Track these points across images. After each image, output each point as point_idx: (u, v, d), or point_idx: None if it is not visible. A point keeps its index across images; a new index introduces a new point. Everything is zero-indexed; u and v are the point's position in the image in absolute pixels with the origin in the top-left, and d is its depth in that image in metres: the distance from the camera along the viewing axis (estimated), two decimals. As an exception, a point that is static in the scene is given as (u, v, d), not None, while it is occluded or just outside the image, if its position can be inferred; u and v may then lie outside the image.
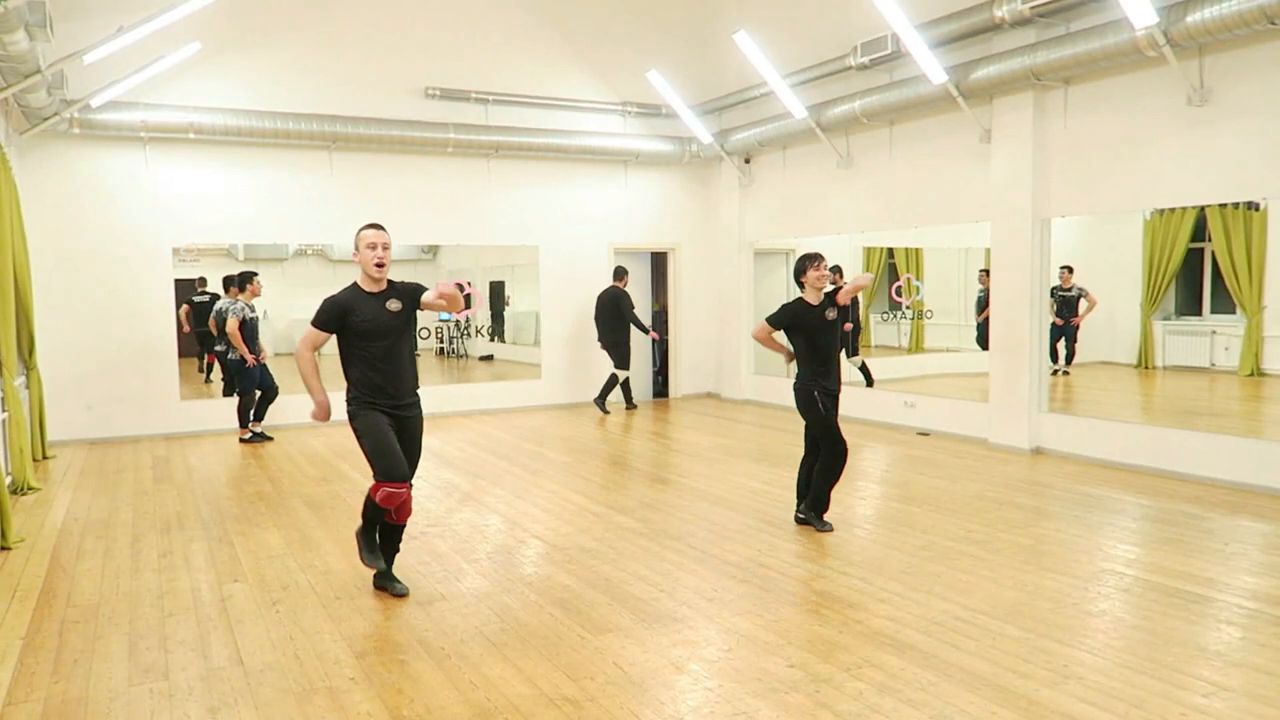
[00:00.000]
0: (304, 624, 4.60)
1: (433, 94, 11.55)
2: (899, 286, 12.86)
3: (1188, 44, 7.07)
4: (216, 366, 12.76)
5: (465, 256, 14.95)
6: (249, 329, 9.84)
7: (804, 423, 6.34)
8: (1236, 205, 9.78)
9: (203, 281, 13.73)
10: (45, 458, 9.10)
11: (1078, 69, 7.90)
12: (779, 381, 12.56)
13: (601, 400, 12.07)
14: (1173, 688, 3.71)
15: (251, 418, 10.16)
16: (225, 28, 10.43)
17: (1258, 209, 10.01)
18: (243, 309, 9.78)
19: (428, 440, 10.20)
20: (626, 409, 12.47)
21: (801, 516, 6.29)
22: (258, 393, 10.09)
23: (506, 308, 15.20)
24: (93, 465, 8.88)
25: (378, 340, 4.84)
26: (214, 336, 12.60)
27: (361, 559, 4.97)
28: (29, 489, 7.59)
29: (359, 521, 5.04)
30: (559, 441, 9.96)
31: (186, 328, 11.16)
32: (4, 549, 5.97)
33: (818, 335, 6.09)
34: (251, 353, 9.86)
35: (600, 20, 12.51)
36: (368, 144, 11.13)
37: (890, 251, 13.10)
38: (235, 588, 5.19)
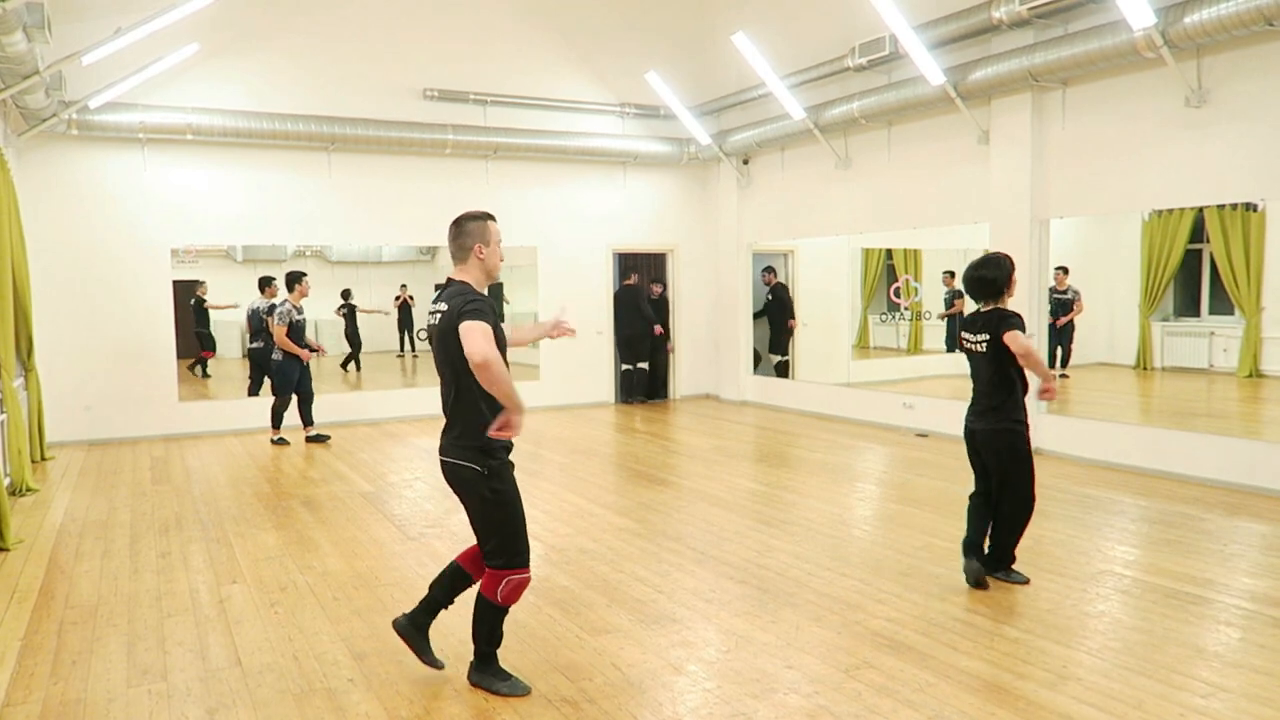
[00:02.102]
0: (302, 625, 4.60)
1: (431, 95, 11.55)
2: (897, 288, 12.87)
3: (1186, 45, 7.07)
4: (209, 363, 12.91)
5: (464, 258, 14.93)
6: (296, 330, 9.74)
7: (972, 463, 5.10)
8: (1235, 206, 9.80)
9: (202, 285, 13.86)
10: (44, 459, 9.09)
11: (1076, 70, 7.91)
12: (778, 382, 12.58)
13: (646, 396, 13.03)
14: (1171, 689, 3.71)
15: (302, 424, 10.08)
16: (224, 29, 10.43)
17: (1256, 210, 10.03)
18: (290, 311, 9.65)
19: (426, 442, 10.30)
20: (627, 402, 13.01)
21: (980, 575, 4.90)
22: (294, 396, 9.96)
23: (501, 308, 15.18)
24: (91, 466, 8.87)
25: (499, 349, 3.63)
26: (211, 337, 12.70)
27: (495, 690, 3.76)
28: (27, 490, 7.58)
29: (476, 639, 3.83)
30: (557, 442, 9.96)
31: (249, 335, 11.21)
32: (3, 550, 5.96)
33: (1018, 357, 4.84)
34: (303, 349, 9.81)
35: (599, 21, 12.52)
36: (366, 145, 11.13)
37: (889, 253, 13.11)
38: (234, 589, 5.18)
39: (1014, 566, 5.05)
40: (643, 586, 5.10)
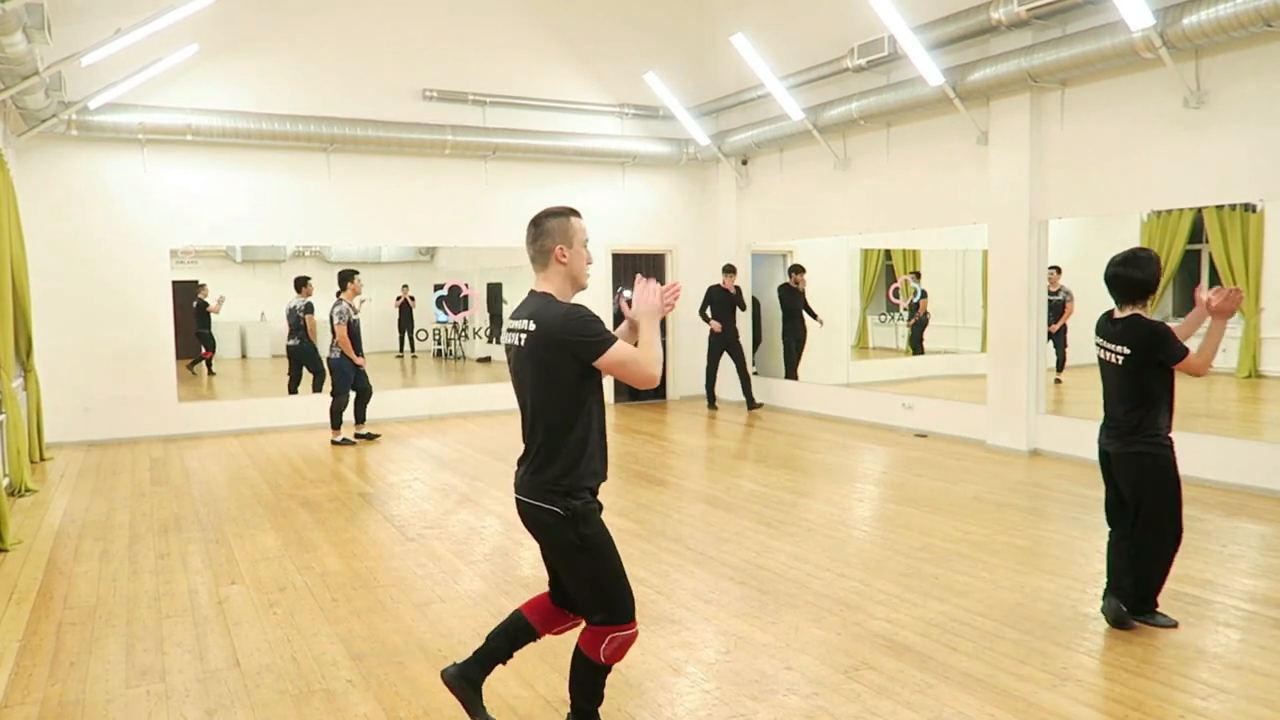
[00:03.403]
0: (301, 626, 4.59)
1: (430, 96, 11.55)
2: (896, 289, 12.87)
3: (1184, 46, 7.08)
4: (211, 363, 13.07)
5: (463, 258, 14.95)
6: (353, 329, 9.77)
7: (1108, 488, 4.57)
8: (1233, 207, 9.79)
9: (202, 287, 13.97)
10: (43, 459, 9.09)
11: (1074, 71, 7.91)
12: (777, 383, 12.57)
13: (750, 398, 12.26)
14: (1171, 690, 3.71)
15: (353, 420, 10.11)
16: (223, 30, 10.43)
17: (1255, 211, 10.02)
18: (347, 310, 9.66)
19: (426, 443, 10.31)
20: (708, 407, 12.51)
21: (1119, 615, 4.36)
22: (352, 394, 10.00)
23: (501, 308, 15.19)
24: (90, 467, 8.87)
25: (600, 391, 3.22)
26: (212, 338, 12.85)
27: None
28: (26, 491, 7.58)
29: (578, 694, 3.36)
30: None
31: (314, 338, 11.28)
32: (1, 551, 5.96)
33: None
34: (357, 354, 9.81)
35: (598, 22, 12.52)
36: (365, 146, 11.13)
37: (887, 253, 13.11)
38: (232, 589, 5.18)
39: (1159, 609, 4.41)
40: (642, 587, 5.10)
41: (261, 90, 10.76)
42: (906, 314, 12.89)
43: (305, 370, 11.41)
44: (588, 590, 3.15)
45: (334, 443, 9.88)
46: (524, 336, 3.06)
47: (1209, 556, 5.47)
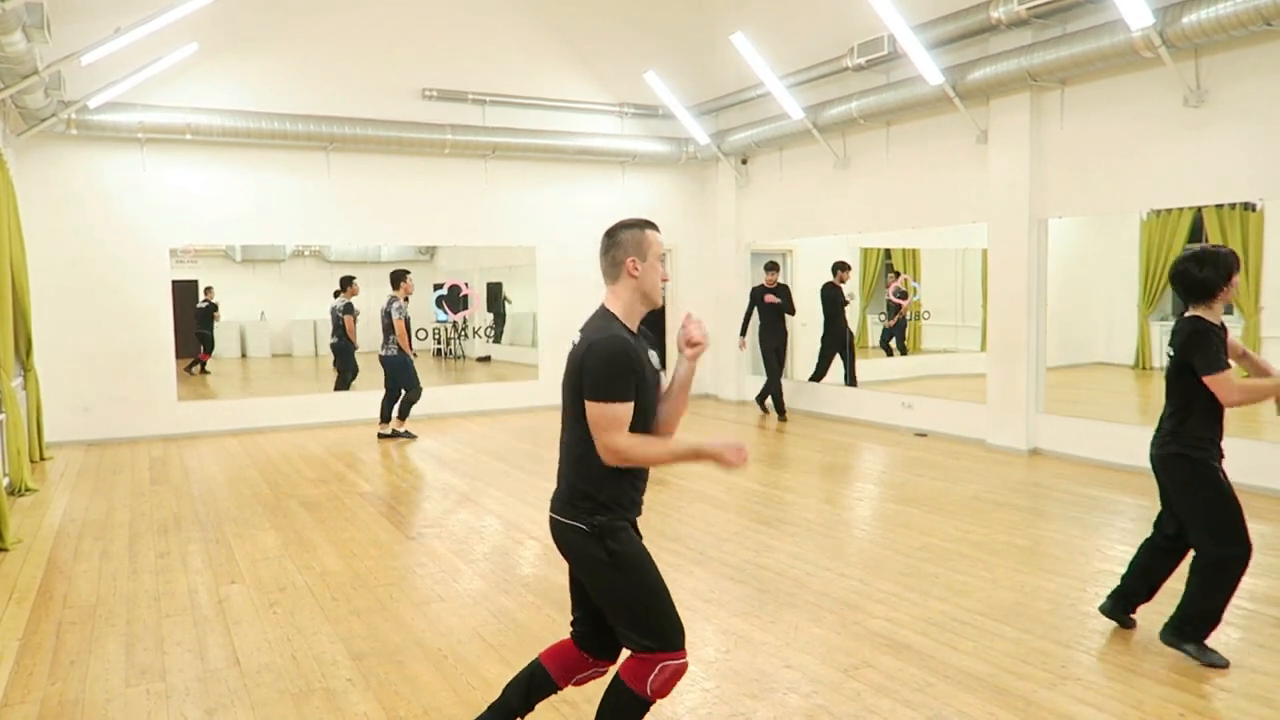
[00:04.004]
0: (301, 625, 4.59)
1: (430, 95, 11.55)
2: (896, 288, 12.86)
3: (1184, 45, 7.08)
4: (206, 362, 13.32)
5: (462, 257, 14.94)
6: (408, 326, 10.14)
7: (1163, 496, 4.31)
8: (1233, 206, 9.79)
9: (209, 290, 14.20)
10: (43, 459, 9.09)
11: (1074, 70, 7.91)
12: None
13: (781, 408, 11.36)
14: (1170, 688, 3.71)
15: (396, 416, 10.29)
16: (222, 29, 10.42)
17: (1254, 210, 10.02)
18: (404, 306, 9.97)
19: (427, 443, 10.31)
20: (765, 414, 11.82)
21: (1114, 613, 4.34)
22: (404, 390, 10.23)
23: (505, 307, 15.19)
24: (90, 466, 8.87)
25: (650, 414, 2.98)
26: (211, 339, 13.01)
27: None
28: (26, 490, 7.58)
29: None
30: (556, 442, 9.94)
31: (354, 339, 11.75)
32: (1, 550, 5.96)
33: None
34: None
35: (597, 21, 12.52)
36: (365, 145, 11.13)
37: (887, 253, 13.11)
38: (232, 589, 5.18)
39: (1207, 642, 4.00)
40: (642, 586, 5.10)
41: (261, 89, 10.76)
42: (886, 313, 12.72)
43: (347, 369, 11.95)
44: (627, 615, 2.87)
45: (382, 436, 10.18)
46: (573, 347, 2.95)
47: (1209, 555, 5.47)
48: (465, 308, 13.81)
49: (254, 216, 10.93)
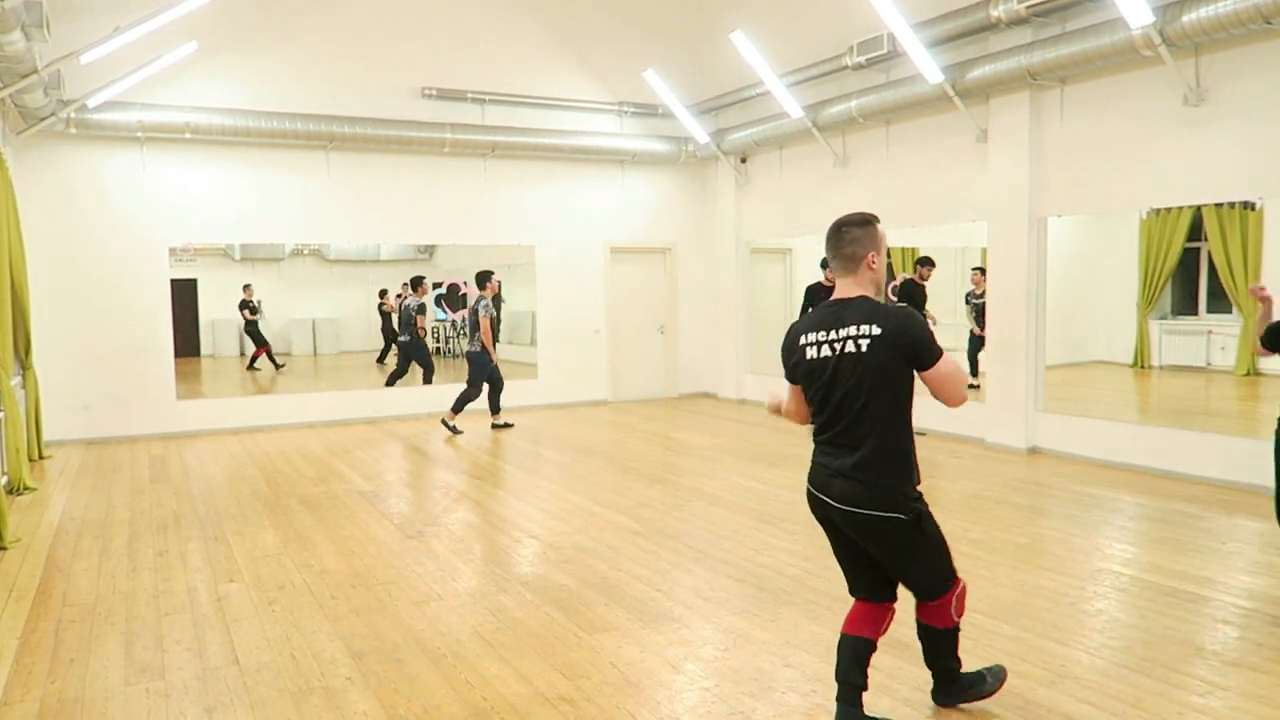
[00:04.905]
0: (300, 623, 4.59)
1: (429, 94, 11.55)
2: (895, 286, 12.85)
3: (1184, 44, 7.08)
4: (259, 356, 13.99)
5: (462, 256, 14.94)
6: (495, 325, 10.50)
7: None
8: (1233, 205, 9.79)
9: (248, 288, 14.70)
10: (42, 457, 9.09)
11: (1074, 68, 7.91)
12: (776, 381, 12.55)
13: None
14: (1169, 687, 3.71)
15: (490, 411, 10.73)
16: (222, 28, 10.42)
17: (1254, 209, 10.02)
18: (489, 306, 10.33)
19: (423, 440, 10.31)
20: None
21: None
22: (486, 385, 10.56)
23: (503, 307, 15.17)
24: (89, 465, 8.87)
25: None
26: (261, 336, 13.68)
27: (985, 691, 3.52)
28: (25, 489, 7.58)
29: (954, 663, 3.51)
30: (555, 441, 9.96)
31: (424, 335, 12.49)
32: (0, 549, 5.96)
33: None
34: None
35: (597, 20, 12.52)
36: (364, 144, 11.12)
37: (887, 251, 13.10)
38: (231, 587, 5.18)
39: None
40: (641, 585, 5.10)
41: (260, 88, 10.75)
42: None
43: (414, 364, 12.48)
44: (930, 576, 3.27)
45: (451, 427, 10.30)
46: (868, 342, 3.06)
47: (1208, 554, 5.48)
48: (464, 306, 13.84)
49: (253, 215, 10.93)
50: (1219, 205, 9.08)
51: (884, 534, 3.15)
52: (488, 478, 8.09)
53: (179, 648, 4.31)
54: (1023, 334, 8.81)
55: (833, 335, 3.12)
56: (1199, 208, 9.44)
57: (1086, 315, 12.24)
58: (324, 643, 4.34)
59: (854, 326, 3.08)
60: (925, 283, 10.41)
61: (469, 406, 10.47)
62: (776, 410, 3.51)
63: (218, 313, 16.82)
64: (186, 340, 14.22)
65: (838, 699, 3.30)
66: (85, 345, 10.12)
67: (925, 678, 3.81)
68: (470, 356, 10.52)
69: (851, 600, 3.43)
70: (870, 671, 3.33)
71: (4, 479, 7.31)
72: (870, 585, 3.36)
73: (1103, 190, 8.16)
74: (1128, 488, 7.24)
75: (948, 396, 3.14)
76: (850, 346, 3.08)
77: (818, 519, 3.35)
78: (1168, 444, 7.71)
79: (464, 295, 13.94)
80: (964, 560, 5.37)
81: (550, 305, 12.64)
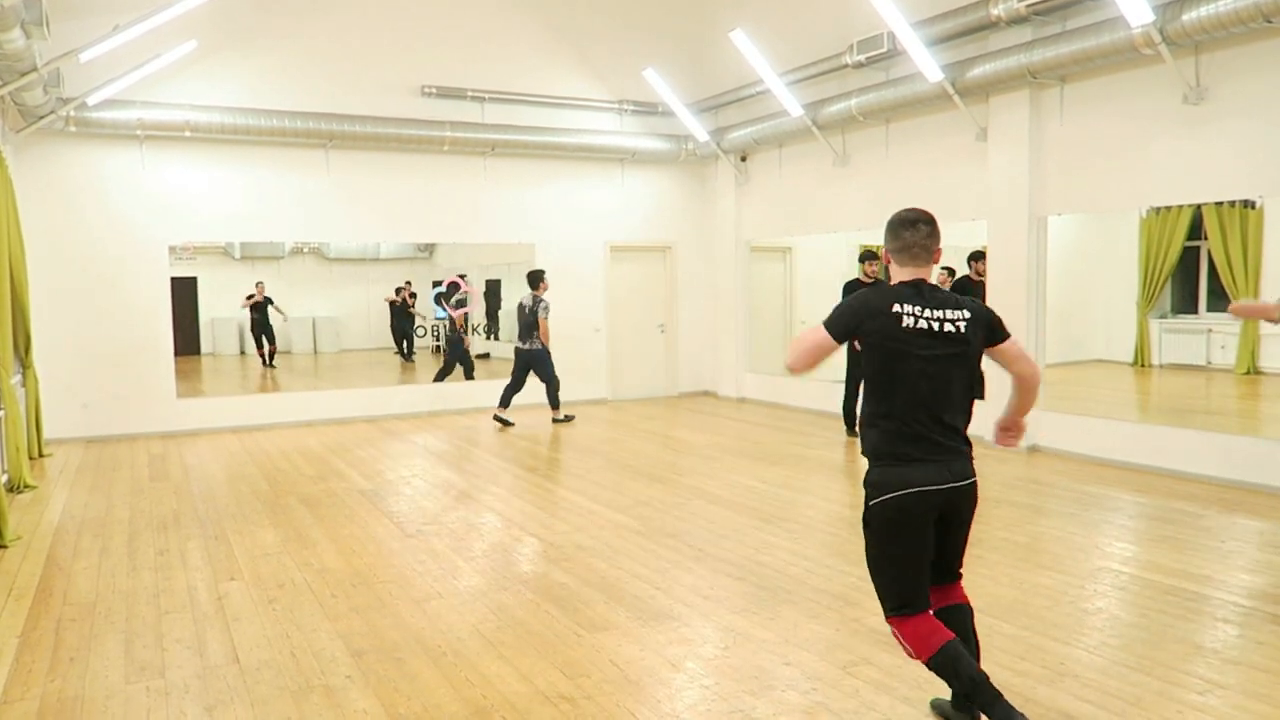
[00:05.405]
0: (300, 622, 4.60)
1: (429, 92, 11.54)
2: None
3: (1184, 42, 7.08)
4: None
5: (462, 255, 14.95)
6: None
7: None
8: (1233, 203, 9.80)
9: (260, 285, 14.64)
10: (42, 456, 9.09)
11: (1074, 67, 7.91)
12: (776, 380, 12.57)
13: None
14: (1169, 685, 3.71)
15: (550, 405, 10.96)
16: (221, 26, 10.41)
17: (1254, 207, 10.03)
18: (547, 305, 10.65)
19: (424, 439, 10.32)
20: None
21: None
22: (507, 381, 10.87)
23: (502, 306, 15.19)
24: (89, 463, 8.87)
25: None
26: (270, 329, 13.92)
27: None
28: (25, 487, 7.58)
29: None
30: (555, 439, 9.96)
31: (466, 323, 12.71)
32: (1, 547, 5.96)
33: None
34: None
35: (596, 18, 12.51)
36: (364, 142, 11.12)
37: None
38: (231, 586, 5.18)
39: None
40: (641, 583, 5.11)
41: (260, 86, 10.74)
42: None
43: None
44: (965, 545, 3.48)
45: (557, 420, 10.89)
46: (964, 324, 3.27)
47: (1207, 552, 5.48)
48: (464, 305, 13.83)
49: (253, 214, 10.92)
50: (1219, 204, 9.08)
51: (974, 499, 3.39)
52: (487, 476, 8.10)
53: (179, 646, 4.31)
54: (1023, 332, 8.80)
55: (929, 314, 3.25)
56: (1199, 206, 9.45)
57: (1086, 314, 12.24)
58: (324, 641, 4.34)
59: (947, 310, 3.27)
60: (982, 278, 9.47)
61: (514, 400, 10.91)
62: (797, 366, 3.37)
63: (218, 311, 16.84)
64: (186, 339, 14.23)
65: (982, 703, 3.11)
66: (85, 343, 10.12)
67: (926, 677, 3.81)
68: (530, 355, 10.70)
69: (925, 610, 3.31)
70: (870, 670, 3.33)
71: (4, 477, 7.31)
72: (927, 582, 3.43)
73: (1103, 189, 8.16)
74: (1127, 486, 7.25)
75: (1028, 363, 3.52)
76: (949, 327, 3.26)
77: (915, 524, 3.32)
78: (1167, 442, 7.71)
79: (465, 294, 13.92)
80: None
81: (551, 305, 12.62)
